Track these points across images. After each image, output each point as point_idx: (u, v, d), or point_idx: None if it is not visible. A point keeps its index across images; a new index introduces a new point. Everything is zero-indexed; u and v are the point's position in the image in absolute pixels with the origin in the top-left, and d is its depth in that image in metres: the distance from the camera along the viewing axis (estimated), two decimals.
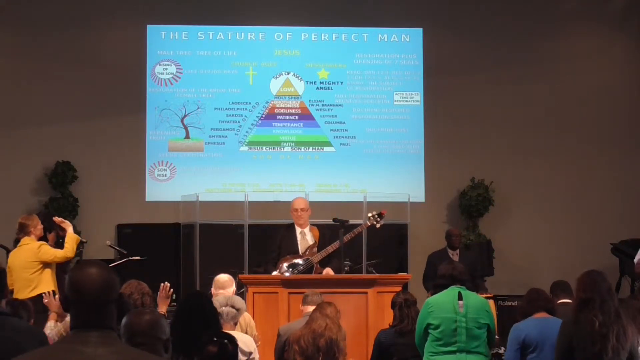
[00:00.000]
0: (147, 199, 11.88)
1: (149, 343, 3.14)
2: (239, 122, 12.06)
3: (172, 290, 5.89)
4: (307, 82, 12.19)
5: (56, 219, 7.87)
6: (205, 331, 4.57)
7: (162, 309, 5.67)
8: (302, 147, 12.13)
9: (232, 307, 5.74)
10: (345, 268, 8.40)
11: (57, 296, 6.36)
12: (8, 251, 8.41)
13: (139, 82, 11.92)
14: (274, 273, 7.74)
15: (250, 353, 5.54)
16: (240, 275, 7.94)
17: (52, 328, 5.83)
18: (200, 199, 10.98)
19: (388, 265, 10.48)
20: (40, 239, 7.61)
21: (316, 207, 8.76)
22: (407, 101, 12.28)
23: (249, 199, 10.93)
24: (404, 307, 6.31)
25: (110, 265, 5.85)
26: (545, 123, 12.39)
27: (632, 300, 5.97)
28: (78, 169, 11.69)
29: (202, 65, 12.10)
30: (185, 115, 12.00)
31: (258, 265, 9.41)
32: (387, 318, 6.69)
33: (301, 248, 7.97)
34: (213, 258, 10.27)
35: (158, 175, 11.91)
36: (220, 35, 12.15)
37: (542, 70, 12.43)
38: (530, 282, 8.93)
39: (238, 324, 5.93)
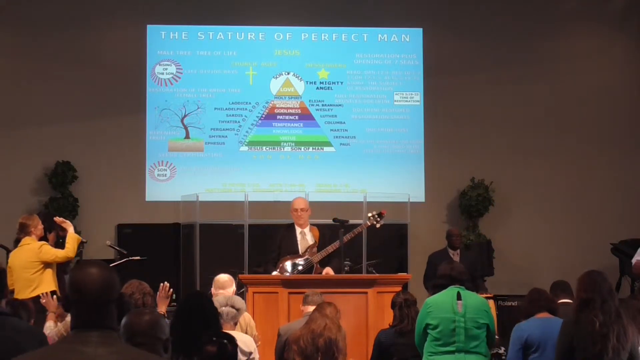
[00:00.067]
0: (147, 199, 11.87)
1: (149, 343, 3.14)
2: (239, 122, 12.06)
3: (171, 290, 5.89)
4: (307, 82, 12.19)
5: (57, 219, 7.87)
6: (205, 331, 4.58)
7: (162, 309, 5.67)
8: (302, 147, 12.12)
9: (232, 307, 5.74)
10: (345, 268, 8.40)
11: (55, 296, 6.36)
12: (8, 251, 8.41)
13: (139, 82, 11.92)
14: (274, 273, 7.74)
15: (250, 353, 5.54)
16: (240, 275, 7.93)
17: (52, 328, 5.83)
18: (200, 199, 10.98)
19: (388, 265, 10.48)
20: (40, 239, 7.60)
21: (316, 207, 8.76)
22: (407, 101, 12.27)
23: (249, 199, 10.93)
24: (404, 307, 6.31)
25: (111, 265, 5.84)
26: (545, 123, 12.39)
27: (632, 300, 5.98)
28: (78, 169, 11.69)
29: (202, 65, 12.09)
30: (185, 115, 12.00)
31: (258, 265, 9.41)
32: (387, 318, 6.69)
33: (301, 248, 7.97)
34: (213, 258, 10.27)
35: (158, 175, 11.91)
36: (220, 35, 12.15)
37: (542, 70, 12.43)
38: (530, 282, 8.93)
39: (238, 324, 5.93)
